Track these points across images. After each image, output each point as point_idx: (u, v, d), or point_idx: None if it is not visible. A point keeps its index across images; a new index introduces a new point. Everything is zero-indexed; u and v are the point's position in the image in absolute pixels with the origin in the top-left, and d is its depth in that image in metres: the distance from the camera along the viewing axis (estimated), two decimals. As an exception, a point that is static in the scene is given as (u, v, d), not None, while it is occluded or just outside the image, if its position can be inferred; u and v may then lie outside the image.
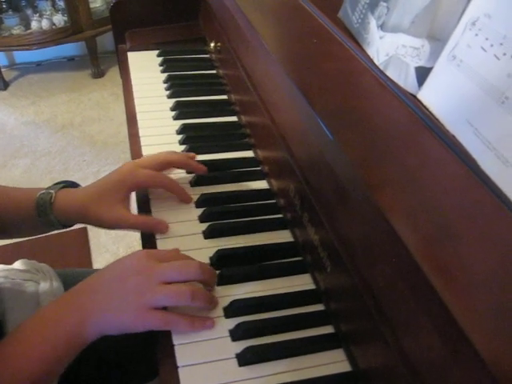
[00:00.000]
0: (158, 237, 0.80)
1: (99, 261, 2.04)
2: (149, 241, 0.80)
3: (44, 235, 0.98)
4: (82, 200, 0.80)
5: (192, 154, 0.92)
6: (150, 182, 0.83)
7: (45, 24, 3.09)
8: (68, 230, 0.88)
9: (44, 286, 0.88)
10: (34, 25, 3.10)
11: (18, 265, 0.92)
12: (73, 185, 0.86)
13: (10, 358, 0.60)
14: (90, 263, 1.30)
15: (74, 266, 1.21)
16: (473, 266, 0.44)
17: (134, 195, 0.87)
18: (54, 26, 3.12)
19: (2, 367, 0.60)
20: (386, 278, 0.52)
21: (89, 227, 1.53)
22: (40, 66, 3.59)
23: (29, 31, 3.10)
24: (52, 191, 0.81)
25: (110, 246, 2.12)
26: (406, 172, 0.54)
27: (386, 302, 0.53)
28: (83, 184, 0.85)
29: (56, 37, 3.12)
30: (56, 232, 0.93)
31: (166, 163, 0.86)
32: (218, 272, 0.73)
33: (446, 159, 0.55)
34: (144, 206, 0.87)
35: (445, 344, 0.42)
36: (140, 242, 0.83)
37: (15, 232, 0.92)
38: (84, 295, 0.65)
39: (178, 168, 0.90)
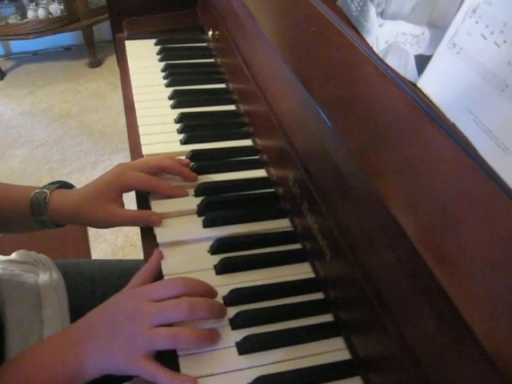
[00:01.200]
0: (156, 228, 0.80)
1: (97, 251, 2.04)
2: (148, 232, 0.80)
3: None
4: (75, 201, 0.81)
5: (186, 160, 0.91)
6: (139, 184, 0.83)
7: (41, 13, 3.08)
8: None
9: (43, 277, 0.88)
10: (31, 14, 3.08)
11: (16, 256, 0.92)
12: (66, 185, 0.87)
13: None
14: (88, 254, 1.29)
15: (72, 256, 1.20)
16: (473, 254, 0.44)
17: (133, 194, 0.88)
18: (50, 15, 3.10)
19: None
20: (385, 266, 0.52)
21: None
22: (37, 56, 3.58)
23: (25, 20, 3.08)
24: (47, 191, 0.81)
25: (108, 237, 2.12)
26: (405, 160, 0.54)
27: (386, 290, 0.53)
28: (81, 174, 0.85)
29: (52, 26, 3.10)
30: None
31: (158, 168, 0.86)
32: (217, 261, 0.74)
33: (446, 147, 0.55)
34: (143, 201, 0.87)
35: (445, 332, 0.43)
36: (138, 231, 0.83)
37: (8, 229, 0.92)
38: (83, 332, 0.65)
39: (170, 174, 0.89)
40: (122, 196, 0.83)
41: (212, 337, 0.65)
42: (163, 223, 0.80)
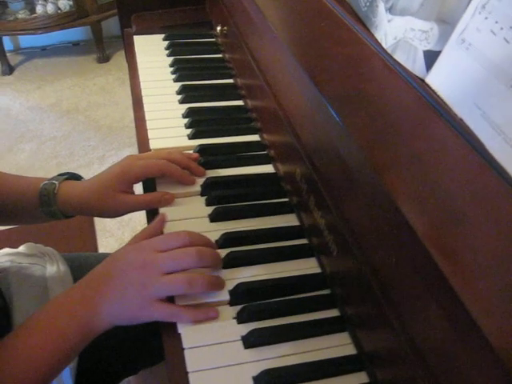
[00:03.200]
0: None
1: (104, 245, 2.05)
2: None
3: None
4: (84, 192, 0.81)
5: (195, 154, 0.92)
6: (149, 170, 0.84)
7: (50, 8, 3.09)
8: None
9: (51, 269, 0.89)
10: (39, 9, 3.09)
11: (23, 249, 0.93)
12: (75, 176, 0.87)
13: (24, 349, 0.62)
14: (95, 247, 1.30)
15: (79, 250, 1.21)
16: (480, 250, 0.44)
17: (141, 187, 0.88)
18: (59, 11, 3.11)
19: (16, 359, 0.61)
20: (392, 262, 0.52)
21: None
22: (45, 51, 3.59)
23: (34, 15, 3.09)
24: (56, 182, 0.81)
25: (115, 231, 2.12)
26: (413, 155, 0.54)
27: (393, 285, 0.53)
28: (88, 169, 0.86)
29: (61, 21, 3.11)
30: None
31: (166, 159, 0.86)
32: (224, 255, 0.74)
33: (454, 143, 0.55)
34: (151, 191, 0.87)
35: (452, 328, 0.42)
36: (145, 226, 0.84)
37: (17, 220, 0.93)
38: (91, 288, 0.66)
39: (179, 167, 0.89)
40: (132, 187, 0.83)
41: (220, 283, 0.70)
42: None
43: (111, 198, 0.80)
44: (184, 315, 0.65)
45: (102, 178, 0.82)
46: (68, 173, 0.86)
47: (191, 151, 0.93)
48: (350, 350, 0.64)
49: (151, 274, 0.65)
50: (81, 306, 0.64)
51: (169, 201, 0.82)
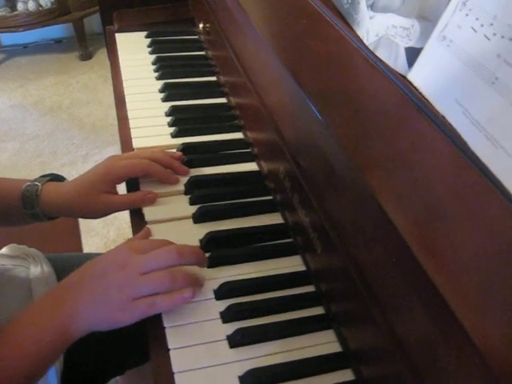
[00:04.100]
0: (147, 219, 0.80)
1: (89, 244, 2.03)
2: (139, 226, 0.80)
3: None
4: (67, 194, 0.81)
5: (179, 153, 0.91)
6: (131, 170, 0.84)
7: (31, 5, 3.05)
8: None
9: (35, 271, 0.88)
10: (20, 6, 3.05)
11: (7, 250, 0.92)
12: (58, 178, 0.86)
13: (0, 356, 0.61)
14: (80, 247, 1.29)
15: (63, 250, 1.20)
16: (462, 247, 0.44)
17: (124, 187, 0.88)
18: (40, 8, 3.08)
19: None
20: (375, 259, 0.52)
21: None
22: (27, 49, 3.55)
23: (15, 13, 3.06)
24: (38, 184, 0.81)
25: (100, 230, 2.11)
26: (395, 153, 0.54)
27: (376, 283, 0.53)
28: (72, 167, 0.85)
29: (43, 18, 3.08)
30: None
31: (149, 158, 0.85)
32: (208, 254, 0.73)
33: (436, 140, 0.55)
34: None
35: (434, 324, 0.43)
36: (130, 224, 0.83)
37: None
38: (69, 292, 0.65)
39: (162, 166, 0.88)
40: (115, 187, 0.83)
41: (201, 278, 0.70)
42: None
43: (94, 199, 0.80)
44: (161, 302, 0.64)
45: (84, 179, 0.82)
46: (51, 174, 0.86)
47: (175, 150, 0.93)
48: (335, 347, 0.64)
49: (130, 274, 0.64)
50: (56, 311, 0.63)
51: (152, 200, 0.82)
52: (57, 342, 0.63)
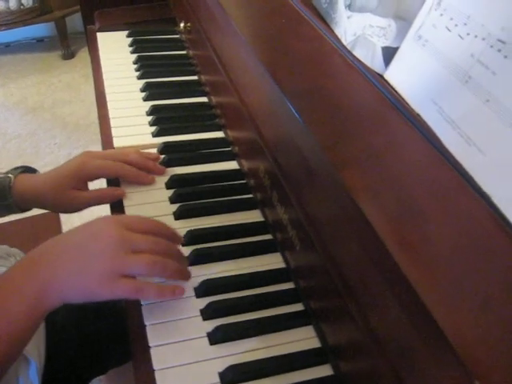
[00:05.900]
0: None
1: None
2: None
3: (15, 219, 0.97)
4: (39, 186, 0.82)
5: (155, 154, 0.91)
6: (103, 171, 0.84)
7: (12, 4, 3.02)
8: (40, 213, 0.89)
9: (17, 271, 0.87)
10: (1, 5, 3.02)
11: (-12, 251, 0.91)
12: (30, 170, 0.87)
13: None
14: (62, 247, 1.28)
15: (45, 249, 1.20)
16: (436, 242, 0.45)
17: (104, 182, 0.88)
18: (22, 7, 3.05)
19: None
20: (352, 255, 0.53)
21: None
22: (9, 48, 3.52)
23: (-4, 12, 3.03)
24: (11, 176, 0.81)
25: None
26: (371, 151, 0.55)
27: (353, 279, 0.54)
28: (54, 167, 0.85)
29: (24, 17, 3.05)
30: (27, 216, 0.94)
31: (123, 162, 0.86)
32: (188, 252, 0.74)
33: (412, 138, 0.56)
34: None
35: (409, 319, 0.43)
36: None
37: None
38: (43, 262, 0.61)
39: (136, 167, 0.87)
40: (86, 184, 0.84)
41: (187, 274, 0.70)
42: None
43: (64, 194, 0.81)
44: (150, 289, 0.63)
45: (57, 173, 0.83)
46: (23, 166, 0.86)
47: (155, 149, 0.93)
48: (314, 343, 0.65)
49: (121, 249, 0.61)
50: (28, 282, 0.59)
51: (120, 196, 0.83)
52: (32, 317, 0.59)
